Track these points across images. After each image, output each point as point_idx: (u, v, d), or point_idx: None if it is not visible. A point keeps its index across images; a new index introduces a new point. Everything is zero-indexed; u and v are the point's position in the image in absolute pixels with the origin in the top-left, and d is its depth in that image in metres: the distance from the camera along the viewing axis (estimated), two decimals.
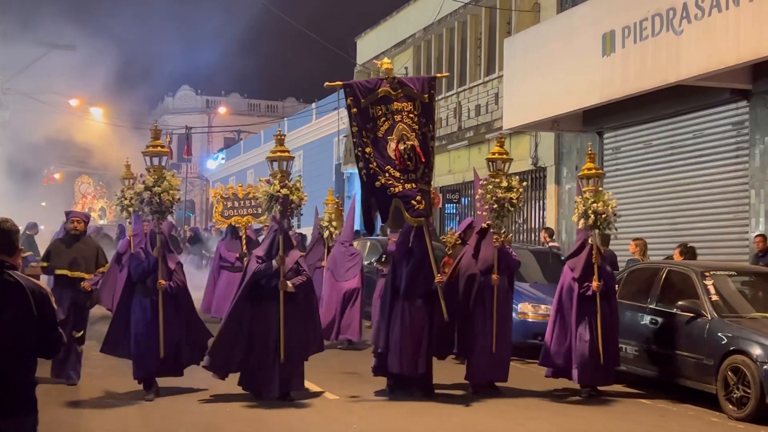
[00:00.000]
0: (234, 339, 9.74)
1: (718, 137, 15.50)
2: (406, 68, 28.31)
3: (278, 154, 10.10)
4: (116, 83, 37.12)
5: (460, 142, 23.20)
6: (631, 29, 15.44)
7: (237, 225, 16.74)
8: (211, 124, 57.12)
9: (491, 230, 10.72)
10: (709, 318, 10.24)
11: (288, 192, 9.70)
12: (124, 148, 41.78)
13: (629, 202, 16.81)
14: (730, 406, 9.62)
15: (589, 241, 10.76)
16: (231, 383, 9.87)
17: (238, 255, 16.17)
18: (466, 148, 23.13)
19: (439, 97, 24.81)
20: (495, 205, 10.52)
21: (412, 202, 9.81)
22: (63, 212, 21.90)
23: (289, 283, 9.55)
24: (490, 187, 10.60)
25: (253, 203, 16.60)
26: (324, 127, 36.69)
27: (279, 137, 10.29)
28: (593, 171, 11.05)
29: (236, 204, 16.66)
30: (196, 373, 10.16)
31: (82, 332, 10.33)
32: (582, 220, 10.70)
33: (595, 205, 10.57)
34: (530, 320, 13.88)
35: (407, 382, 10.25)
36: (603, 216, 10.61)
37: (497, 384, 10.79)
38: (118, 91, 38.23)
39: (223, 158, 54.37)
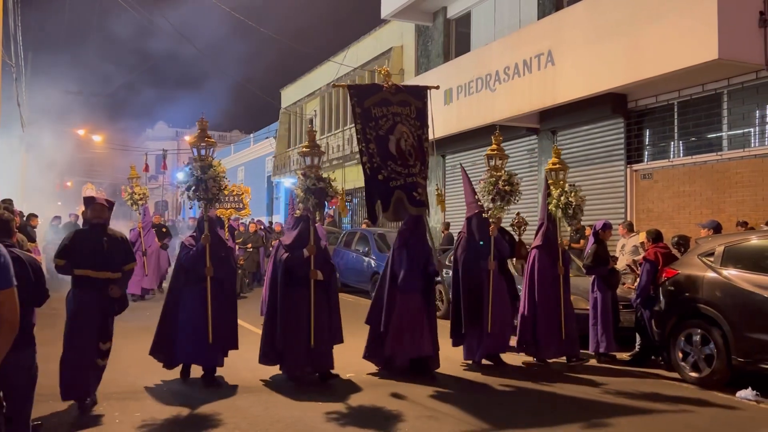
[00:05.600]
0: (275, 328, 7.18)
1: (519, 159, 15.96)
2: (315, 111, 28.25)
3: (310, 149, 7.51)
4: (112, 118, 36.14)
5: (351, 161, 23.34)
6: (463, 87, 15.86)
7: (221, 216, 16.10)
8: (180, 147, 55.82)
9: (490, 219, 8.25)
10: None
11: (324, 185, 7.30)
12: (116, 164, 40.38)
13: (461, 205, 17.24)
14: None
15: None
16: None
17: None
18: (355, 166, 23.27)
19: (337, 130, 24.94)
20: (496, 196, 8.23)
21: (414, 193, 7.48)
22: (74, 209, 20.24)
23: (318, 272, 7.12)
24: (493, 180, 8.31)
25: (235, 199, 15.76)
26: (259, 150, 36.37)
27: (311, 132, 7.84)
28: (558, 166, 8.94)
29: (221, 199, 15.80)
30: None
31: (108, 344, 5.99)
32: (558, 210, 8.63)
33: (571, 198, 8.59)
34: None
35: (411, 365, 7.61)
36: (577, 206, 8.65)
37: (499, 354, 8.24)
38: (113, 124, 37.14)
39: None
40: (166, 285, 12.40)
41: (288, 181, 31.41)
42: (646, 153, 13.13)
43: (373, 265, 14.70)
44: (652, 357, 8.54)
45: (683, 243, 8.72)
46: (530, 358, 8.52)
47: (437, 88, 8.32)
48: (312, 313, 7.01)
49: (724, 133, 11.71)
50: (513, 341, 8.52)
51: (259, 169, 36.27)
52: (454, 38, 19.04)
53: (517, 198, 8.35)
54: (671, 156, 12.56)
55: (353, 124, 8.17)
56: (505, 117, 14.66)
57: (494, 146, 8.68)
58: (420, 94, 7.99)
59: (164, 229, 15.87)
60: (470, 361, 8.16)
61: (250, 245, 16.84)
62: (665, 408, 6.42)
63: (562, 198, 8.60)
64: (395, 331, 7.50)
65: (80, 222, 18.48)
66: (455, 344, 8.21)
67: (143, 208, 14.18)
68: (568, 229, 8.83)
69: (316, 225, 7.42)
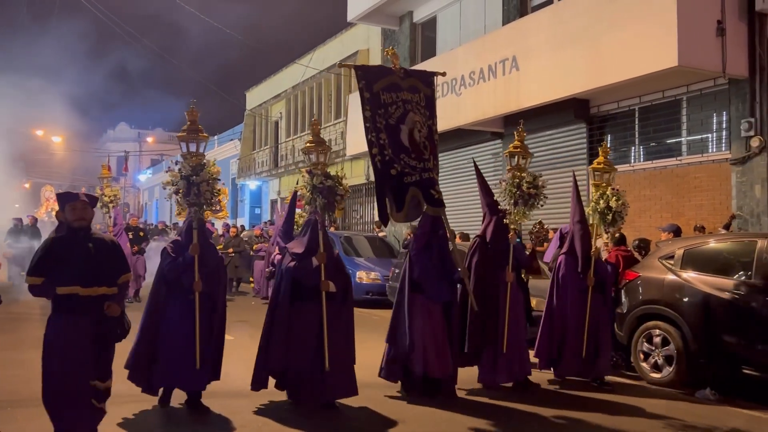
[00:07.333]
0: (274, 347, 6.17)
1: (484, 162, 15.84)
2: (280, 113, 28.09)
3: (315, 145, 6.51)
4: (73, 119, 35.41)
5: None
6: None
7: None
8: (142, 149, 55.02)
9: (511, 226, 7.21)
10: None
11: (333, 183, 6.32)
12: (77, 165, 39.63)
13: None
14: None
15: (605, 239, 7.98)
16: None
17: None
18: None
19: (303, 133, 24.81)
20: (519, 200, 7.18)
21: (431, 191, 6.43)
22: (34, 210, 19.51)
23: (330, 283, 6.11)
24: (516, 181, 7.22)
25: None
26: (224, 152, 36.02)
27: (314, 126, 6.80)
28: (604, 166, 7.93)
29: None
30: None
31: (108, 381, 4.69)
32: (597, 215, 7.73)
33: (612, 202, 7.66)
34: (364, 282, 14.17)
35: (430, 384, 6.62)
36: (617, 213, 7.71)
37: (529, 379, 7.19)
38: (74, 125, 36.45)
39: (150, 174, 52.38)
40: (144, 294, 11.66)
41: (253, 184, 31.16)
42: (608, 158, 13.32)
43: None
44: (614, 358, 8.69)
45: (644, 246, 8.90)
46: (552, 376, 7.66)
47: (444, 74, 7.41)
48: (325, 331, 5.97)
49: (683, 139, 11.98)
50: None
51: (223, 172, 35.74)
52: (420, 42, 19.12)
53: (542, 202, 7.35)
54: (632, 161, 12.80)
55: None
56: (470, 121, 14.77)
57: (517, 142, 7.44)
58: (428, 80, 7.01)
59: (141, 233, 14.91)
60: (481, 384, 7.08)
61: (231, 250, 16.56)
62: (626, 408, 6.51)
63: (601, 202, 7.69)
64: (422, 345, 6.50)
65: (39, 226, 17.99)
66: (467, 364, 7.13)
67: (114, 211, 13.10)
68: (605, 235, 7.96)
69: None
